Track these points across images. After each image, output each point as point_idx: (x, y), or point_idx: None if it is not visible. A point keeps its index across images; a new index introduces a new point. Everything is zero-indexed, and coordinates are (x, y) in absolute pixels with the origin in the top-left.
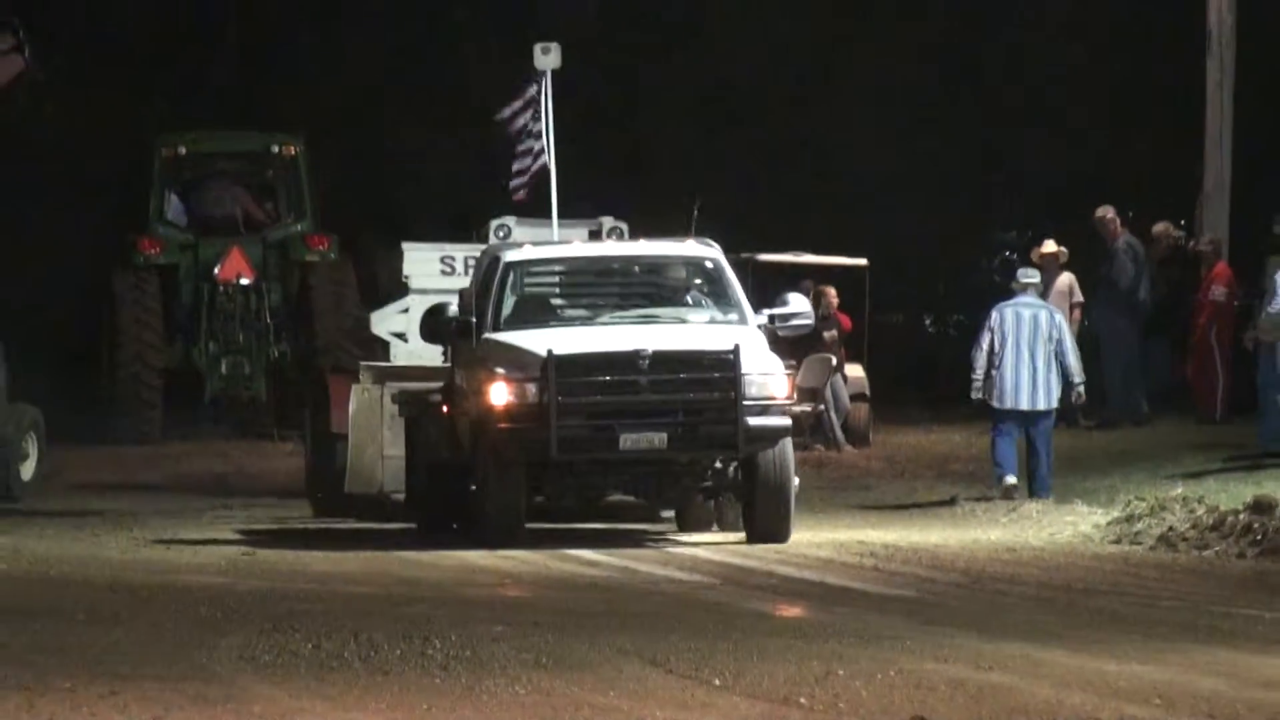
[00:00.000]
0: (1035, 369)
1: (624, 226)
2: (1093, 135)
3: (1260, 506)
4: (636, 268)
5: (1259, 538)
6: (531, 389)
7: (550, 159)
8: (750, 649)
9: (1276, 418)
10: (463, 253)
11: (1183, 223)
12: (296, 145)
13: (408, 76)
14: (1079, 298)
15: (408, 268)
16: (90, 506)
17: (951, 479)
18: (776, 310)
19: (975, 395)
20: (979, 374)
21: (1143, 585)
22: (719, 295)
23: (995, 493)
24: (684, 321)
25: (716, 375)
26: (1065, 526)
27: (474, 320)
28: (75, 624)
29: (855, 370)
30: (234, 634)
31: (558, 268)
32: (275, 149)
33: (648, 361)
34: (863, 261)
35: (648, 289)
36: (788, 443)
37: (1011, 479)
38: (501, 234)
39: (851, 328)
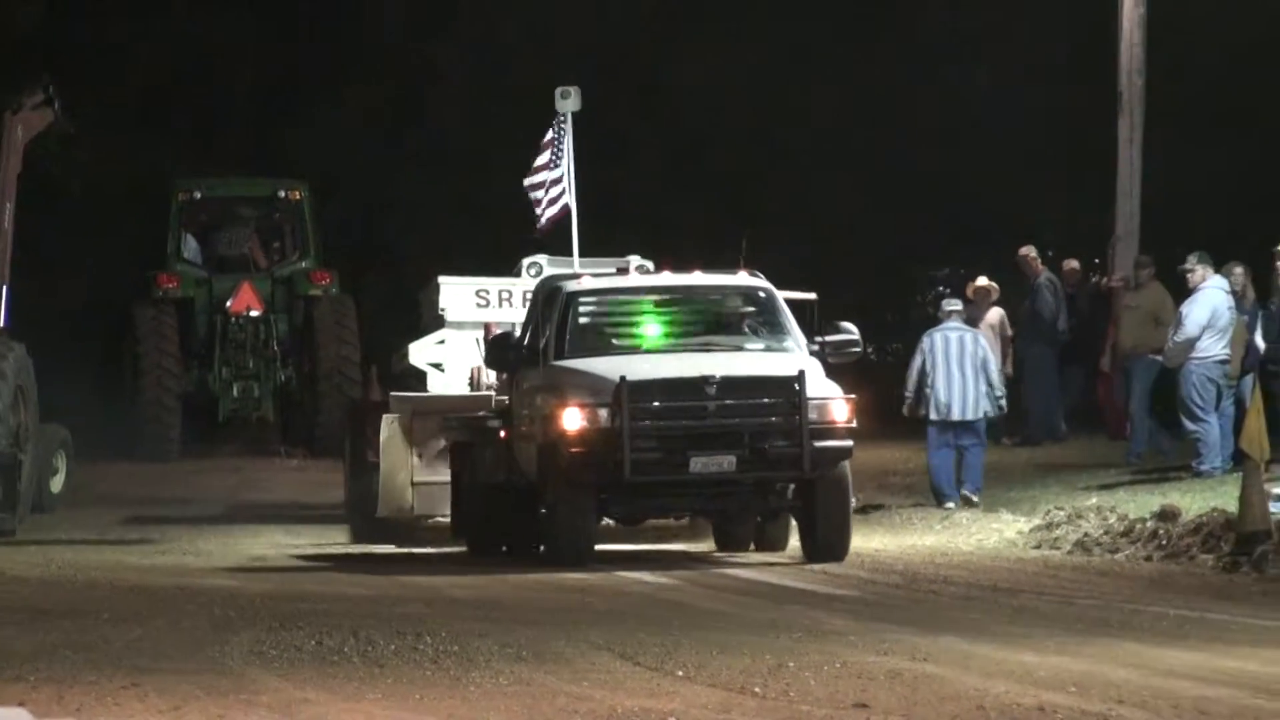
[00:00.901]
0: (965, 384)
1: (650, 264)
2: (1016, 182)
3: (1165, 515)
4: (693, 298)
5: (1163, 543)
6: (603, 414)
7: (571, 199)
8: (710, 644)
9: (1143, 434)
10: (497, 286)
11: (1096, 261)
12: (301, 190)
13: (405, 128)
14: (1009, 332)
15: (444, 300)
16: (114, 518)
17: (890, 490)
18: (829, 338)
19: (906, 411)
20: (910, 392)
21: (1061, 585)
22: (772, 324)
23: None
24: (742, 349)
25: (782, 400)
26: (992, 533)
27: (539, 348)
28: (100, 623)
29: None
30: (244, 632)
31: (618, 298)
32: (282, 194)
33: (715, 387)
34: (812, 295)
35: (704, 318)
36: (846, 464)
37: (951, 505)
38: (533, 271)
39: None
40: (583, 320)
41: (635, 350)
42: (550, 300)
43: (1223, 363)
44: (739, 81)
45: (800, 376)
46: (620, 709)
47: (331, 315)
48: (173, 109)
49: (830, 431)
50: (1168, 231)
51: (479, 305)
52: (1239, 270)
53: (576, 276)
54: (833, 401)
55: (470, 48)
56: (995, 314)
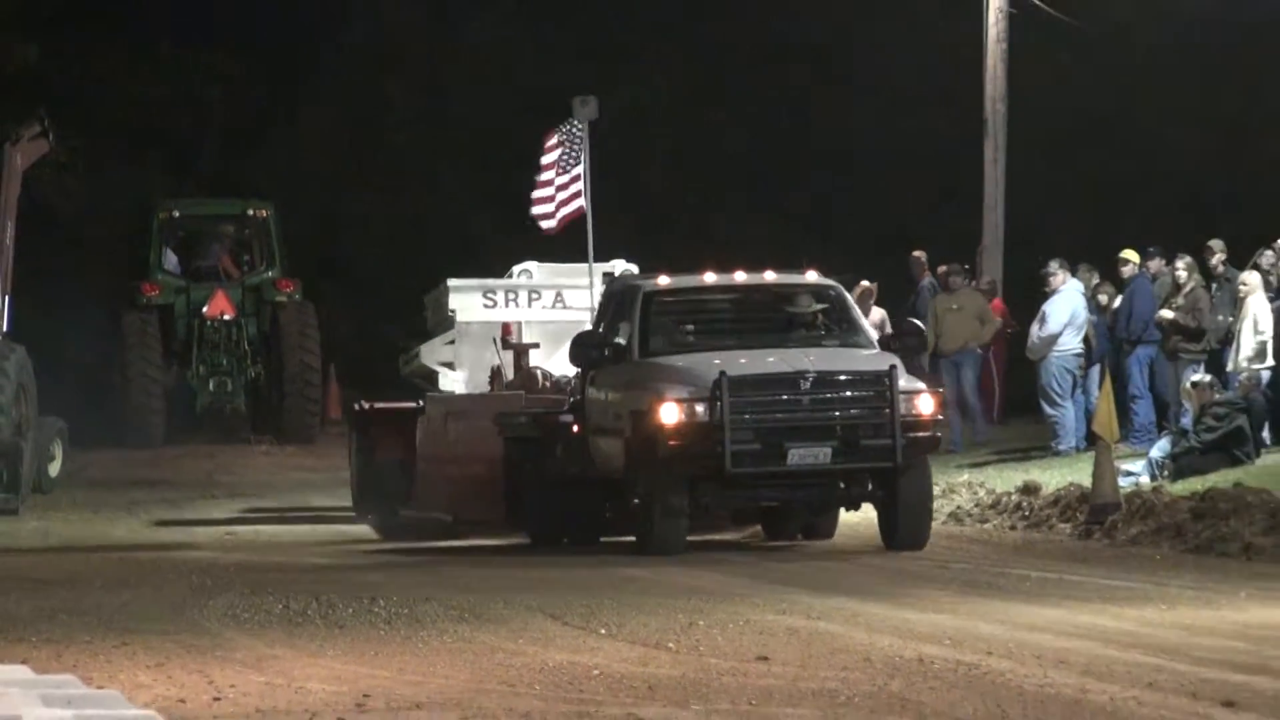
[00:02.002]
0: None
1: (635, 267)
2: (902, 197)
3: (1028, 489)
4: (766, 297)
5: (1026, 514)
6: (701, 408)
7: (587, 204)
8: (630, 605)
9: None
10: (503, 288)
11: (967, 266)
12: (267, 209)
13: (361, 152)
14: (889, 329)
15: (453, 302)
16: (105, 498)
17: None
18: (894, 333)
19: None
20: None
21: (937, 552)
22: (843, 321)
23: None
24: (820, 345)
25: (874, 393)
26: None
27: (621, 346)
28: (93, 590)
29: None
30: (219, 596)
31: (695, 297)
32: (250, 212)
33: (810, 381)
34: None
35: (778, 316)
36: (927, 458)
37: None
38: (525, 276)
39: None
40: (663, 318)
41: (718, 347)
42: (627, 300)
43: (1078, 355)
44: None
45: (891, 371)
46: (550, 663)
47: (295, 319)
48: (153, 140)
49: (919, 424)
50: (1028, 239)
51: (486, 306)
52: (1093, 274)
53: (652, 277)
54: (920, 395)
55: (418, 81)
56: (877, 314)
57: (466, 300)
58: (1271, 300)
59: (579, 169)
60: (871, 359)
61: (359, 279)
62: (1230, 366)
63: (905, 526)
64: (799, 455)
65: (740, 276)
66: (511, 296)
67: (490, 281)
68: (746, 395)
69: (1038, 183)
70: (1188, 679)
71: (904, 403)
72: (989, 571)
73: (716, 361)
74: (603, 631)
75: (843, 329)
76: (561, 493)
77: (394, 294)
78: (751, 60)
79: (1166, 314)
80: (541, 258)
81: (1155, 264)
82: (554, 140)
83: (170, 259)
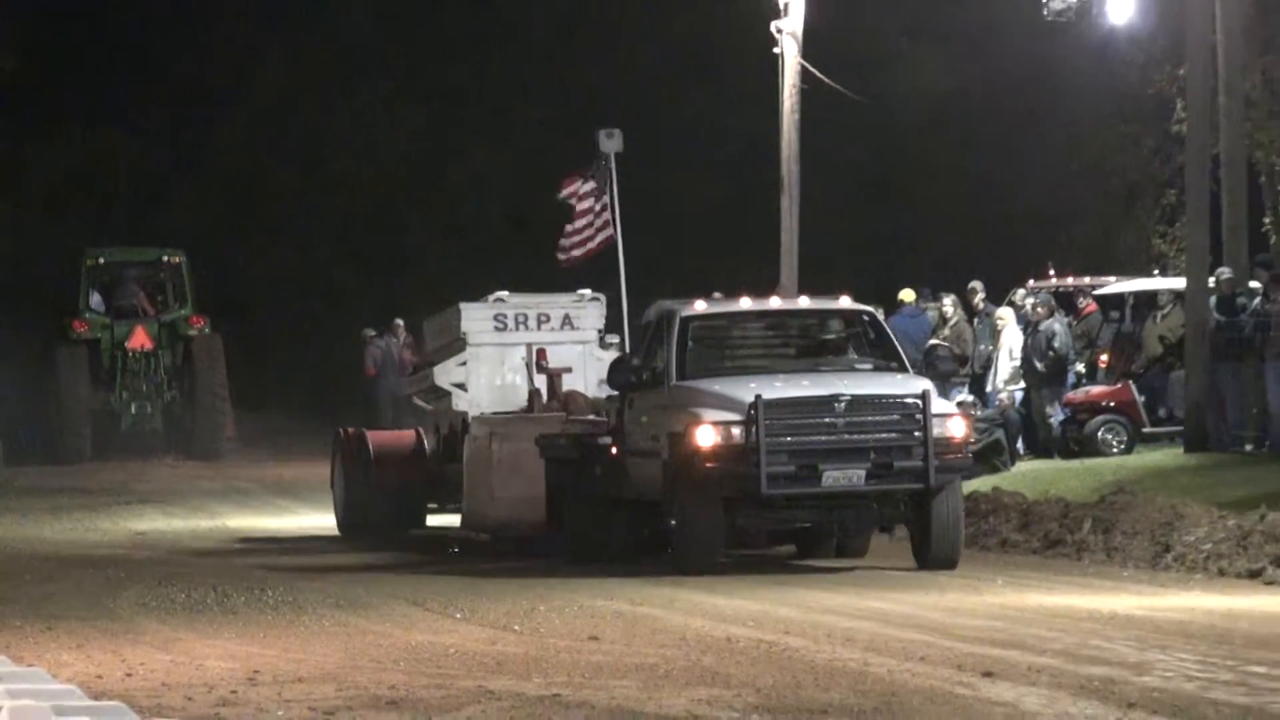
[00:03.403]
0: None
1: (602, 297)
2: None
3: None
4: (802, 321)
5: None
6: (737, 431)
7: (618, 234)
8: (482, 593)
9: None
10: (512, 310)
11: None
12: (180, 256)
13: (246, 208)
14: None
15: (465, 324)
16: (33, 504)
17: None
18: (929, 359)
19: None
20: None
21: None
22: (878, 345)
23: None
24: (854, 369)
25: (907, 417)
26: None
27: (659, 370)
28: (23, 582)
29: None
30: (131, 588)
31: (730, 322)
32: (165, 258)
33: (845, 404)
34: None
35: (814, 340)
36: (959, 480)
37: None
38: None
39: None
40: (700, 343)
41: (755, 371)
42: (664, 324)
43: None
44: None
45: (925, 395)
46: (413, 643)
47: (205, 351)
48: (72, 197)
49: (951, 447)
50: (819, 283)
51: (497, 328)
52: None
53: (690, 302)
54: (952, 419)
55: (301, 139)
56: None
57: (478, 323)
58: (1023, 331)
59: (605, 199)
60: (905, 382)
61: (250, 314)
62: (989, 388)
63: (938, 547)
64: (833, 477)
65: (775, 302)
66: (521, 319)
67: (501, 305)
68: (782, 418)
69: (827, 232)
70: (954, 654)
71: (936, 425)
72: (788, 565)
73: (752, 385)
74: (458, 616)
75: (877, 352)
76: (601, 512)
77: (274, 327)
78: (574, 129)
79: (935, 343)
80: (413, 305)
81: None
82: (586, 176)
83: (96, 299)
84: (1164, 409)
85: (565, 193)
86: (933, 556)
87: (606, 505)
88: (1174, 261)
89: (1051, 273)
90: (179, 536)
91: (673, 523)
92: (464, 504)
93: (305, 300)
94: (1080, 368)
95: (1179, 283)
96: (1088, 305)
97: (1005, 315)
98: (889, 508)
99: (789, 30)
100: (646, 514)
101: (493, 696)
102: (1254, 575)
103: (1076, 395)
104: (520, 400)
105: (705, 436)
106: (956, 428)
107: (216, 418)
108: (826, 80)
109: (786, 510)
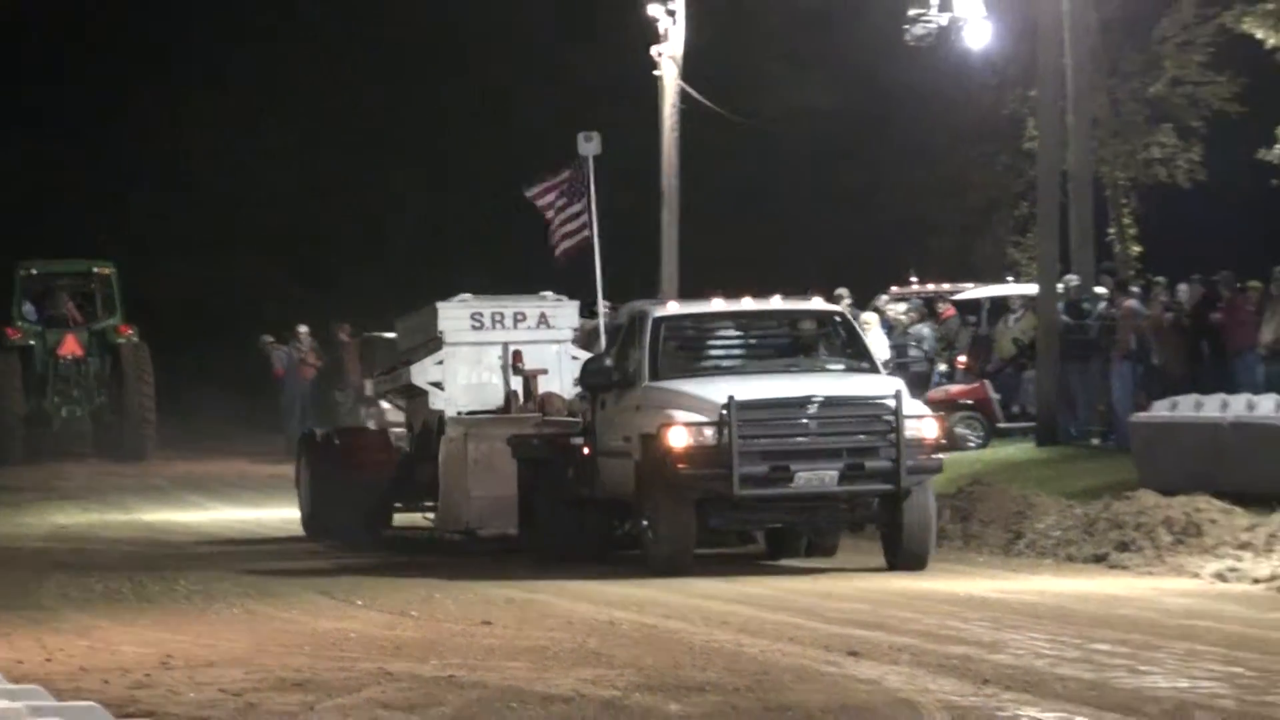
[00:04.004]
0: None
1: (564, 298)
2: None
3: None
4: (774, 322)
5: None
6: (710, 432)
7: (594, 235)
8: (382, 582)
9: None
10: (489, 309)
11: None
12: (109, 267)
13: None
14: None
15: (442, 324)
16: None
17: None
18: (899, 360)
19: None
20: None
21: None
22: (849, 347)
23: None
24: (827, 370)
25: (879, 418)
26: None
27: (631, 370)
28: None
29: None
30: (53, 578)
31: (704, 323)
32: (95, 270)
33: (817, 406)
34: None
35: (786, 341)
36: (929, 479)
37: None
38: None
39: None
40: (673, 343)
41: (727, 372)
42: (637, 325)
43: None
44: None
45: (898, 396)
46: (318, 629)
47: (133, 358)
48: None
49: (923, 448)
50: (698, 288)
51: (474, 327)
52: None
53: (663, 303)
54: (925, 420)
55: (219, 159)
56: None
57: (454, 322)
58: (887, 333)
59: (584, 202)
60: (877, 383)
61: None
62: None
63: (908, 547)
64: (805, 478)
65: (748, 302)
66: (498, 318)
67: (477, 304)
68: (754, 419)
69: (704, 242)
70: (822, 634)
71: (909, 427)
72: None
73: (725, 386)
74: (360, 603)
75: (849, 354)
76: (573, 512)
77: (187, 332)
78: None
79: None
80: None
81: None
82: (561, 176)
83: (29, 309)
84: (1017, 406)
85: (536, 191)
86: (903, 557)
87: (579, 506)
88: (1026, 269)
89: (913, 279)
90: (98, 530)
91: (644, 523)
92: (439, 504)
93: (217, 307)
94: (942, 367)
95: (1031, 289)
96: (947, 310)
97: (870, 319)
98: (860, 508)
99: (669, 54)
100: (619, 514)
101: (392, 678)
102: (1099, 560)
103: (936, 393)
104: (496, 399)
105: (678, 437)
106: (928, 429)
107: (144, 422)
108: (704, 101)
109: (759, 511)
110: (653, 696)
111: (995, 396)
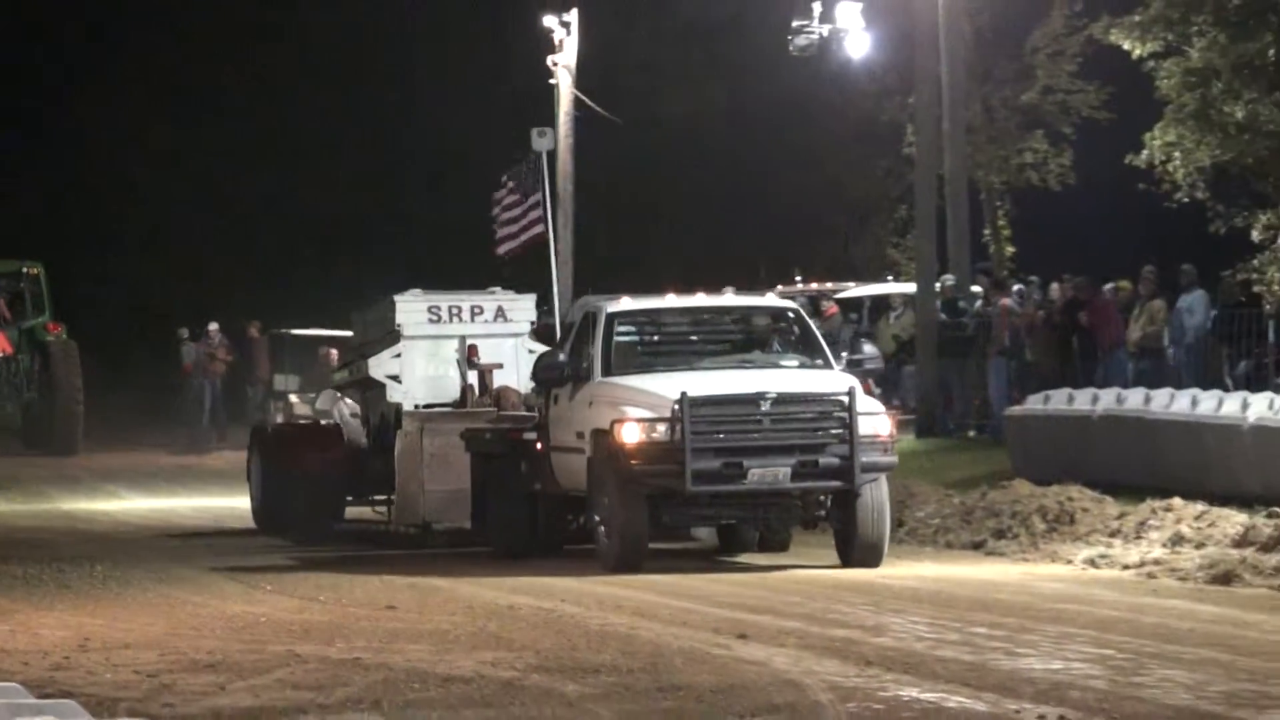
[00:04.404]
0: None
1: (513, 293)
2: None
3: None
4: (727, 317)
5: None
6: (662, 428)
7: (550, 230)
8: (290, 569)
9: None
10: (446, 302)
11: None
12: (39, 268)
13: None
14: None
15: (400, 316)
16: None
17: None
18: (854, 355)
19: None
20: None
21: None
22: (803, 343)
23: None
24: (779, 366)
25: (833, 415)
26: None
27: (584, 365)
28: None
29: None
30: None
31: (656, 318)
32: (25, 269)
33: (770, 402)
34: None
35: (738, 337)
36: (884, 476)
37: None
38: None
39: None
40: (625, 339)
41: (679, 367)
42: (590, 320)
43: None
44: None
45: (851, 393)
46: (228, 613)
47: (63, 355)
48: None
49: (877, 445)
50: (594, 285)
51: (431, 320)
52: None
53: (616, 298)
54: (878, 417)
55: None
56: None
57: (412, 315)
58: None
59: (537, 196)
60: (831, 380)
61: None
62: None
63: (861, 546)
64: (758, 475)
65: (701, 298)
66: (455, 311)
67: (435, 296)
68: (707, 415)
69: (601, 241)
70: (712, 618)
71: (863, 424)
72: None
73: (678, 381)
74: (268, 588)
75: (803, 349)
76: (525, 506)
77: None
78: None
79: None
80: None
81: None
82: (511, 172)
83: None
84: (897, 400)
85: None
86: (856, 553)
87: (531, 500)
88: (905, 269)
89: (798, 278)
90: (20, 519)
91: (596, 519)
92: (395, 497)
93: (135, 307)
94: None
95: (910, 288)
96: (830, 308)
97: None
98: (813, 505)
99: (564, 64)
100: (572, 509)
101: (300, 660)
102: (976, 547)
103: None
104: (454, 393)
105: (630, 434)
106: (882, 426)
107: (73, 416)
108: (597, 109)
109: (711, 508)
110: (550, 677)
111: (877, 391)
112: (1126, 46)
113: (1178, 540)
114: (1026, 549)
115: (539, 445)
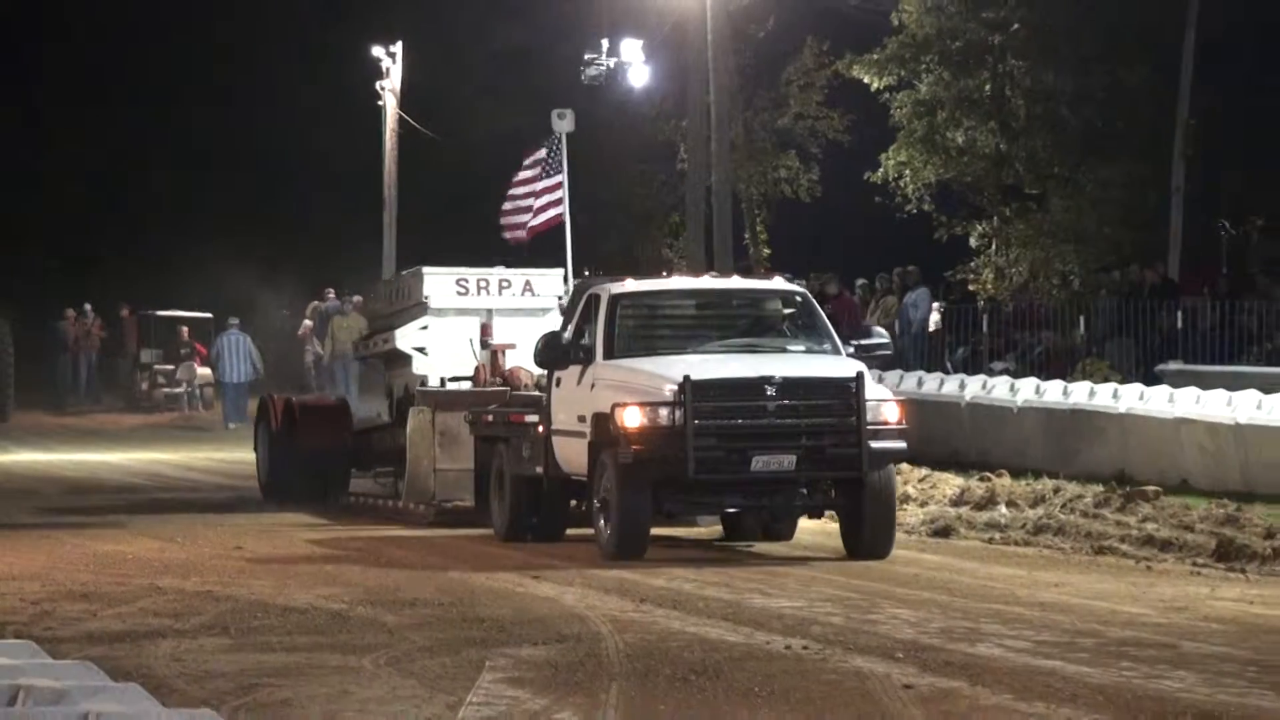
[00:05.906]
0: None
1: (511, 275)
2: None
3: None
4: (734, 301)
5: None
6: (664, 413)
7: (566, 213)
8: (156, 517)
9: None
10: (475, 276)
11: (357, 297)
12: None
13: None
14: None
15: (427, 289)
16: None
17: None
18: (862, 341)
19: None
20: None
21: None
22: (810, 328)
23: None
24: (786, 351)
25: (840, 401)
26: None
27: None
28: None
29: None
30: None
31: (660, 300)
32: None
33: (776, 387)
34: (208, 315)
35: (745, 321)
36: (891, 465)
37: None
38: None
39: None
40: (629, 322)
41: (683, 351)
42: (593, 302)
43: None
44: None
45: (859, 379)
46: (100, 551)
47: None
48: None
49: (885, 433)
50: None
51: (459, 293)
52: None
53: (620, 280)
54: (886, 404)
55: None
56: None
57: (440, 287)
58: None
59: (559, 177)
60: (838, 365)
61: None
62: None
63: (869, 536)
64: (763, 462)
65: (706, 280)
66: (483, 284)
67: (462, 270)
68: (710, 400)
69: (424, 239)
70: (514, 561)
71: (870, 411)
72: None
73: (681, 365)
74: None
75: (809, 335)
76: (528, 488)
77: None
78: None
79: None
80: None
81: None
82: (537, 155)
83: None
84: None
85: (522, 175)
86: (863, 545)
87: (534, 483)
88: (679, 267)
89: (585, 273)
90: None
91: (596, 505)
92: (406, 475)
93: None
94: None
95: None
96: None
97: None
98: (818, 494)
99: (390, 88)
100: (575, 492)
101: (161, 591)
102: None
103: None
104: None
105: (631, 418)
106: (890, 412)
107: (6, 388)
108: (419, 127)
109: (715, 495)
110: (374, 610)
111: None
112: (866, 80)
113: (904, 500)
114: None
115: (541, 428)
